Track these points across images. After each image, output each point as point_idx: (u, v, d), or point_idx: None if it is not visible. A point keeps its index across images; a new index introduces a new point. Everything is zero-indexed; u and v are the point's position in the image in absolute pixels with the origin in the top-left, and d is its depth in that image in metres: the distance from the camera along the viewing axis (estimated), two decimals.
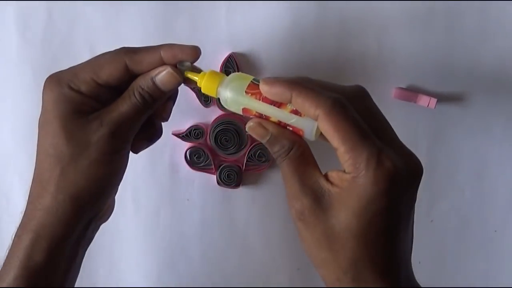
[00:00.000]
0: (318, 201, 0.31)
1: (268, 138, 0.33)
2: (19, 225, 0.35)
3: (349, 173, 0.30)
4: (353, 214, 0.30)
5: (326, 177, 0.32)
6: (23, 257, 0.34)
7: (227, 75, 0.45)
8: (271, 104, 0.32)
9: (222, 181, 0.48)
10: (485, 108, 0.47)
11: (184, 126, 0.47)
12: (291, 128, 0.32)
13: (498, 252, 0.50)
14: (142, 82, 0.35)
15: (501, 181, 0.49)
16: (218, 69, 0.46)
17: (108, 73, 0.35)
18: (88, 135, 0.34)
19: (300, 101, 0.31)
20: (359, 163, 0.29)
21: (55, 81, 0.35)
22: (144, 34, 0.46)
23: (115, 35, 0.46)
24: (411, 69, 0.47)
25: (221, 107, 0.46)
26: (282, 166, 0.33)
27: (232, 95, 0.33)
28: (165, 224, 0.49)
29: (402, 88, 0.46)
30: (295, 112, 0.32)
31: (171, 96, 0.38)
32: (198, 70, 0.36)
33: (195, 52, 0.35)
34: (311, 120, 0.31)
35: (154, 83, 0.35)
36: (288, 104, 0.32)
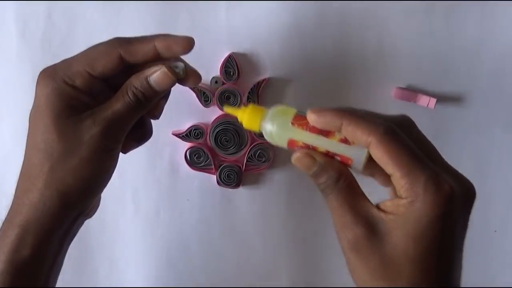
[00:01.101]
0: (372, 229, 0.30)
1: (315, 169, 0.32)
2: (5, 220, 0.35)
3: (406, 197, 0.29)
4: (411, 238, 0.29)
5: (377, 207, 0.31)
6: (9, 251, 0.34)
7: (227, 74, 0.46)
8: (319, 133, 0.31)
9: (222, 181, 0.48)
10: (485, 108, 0.47)
11: (184, 126, 0.47)
12: (339, 158, 0.31)
13: (498, 252, 0.50)
14: (136, 82, 0.35)
15: (501, 181, 0.49)
16: (218, 69, 0.46)
17: (103, 65, 0.35)
18: (80, 133, 0.34)
19: (351, 129, 0.30)
20: (417, 187, 0.29)
21: (49, 75, 0.35)
22: (144, 34, 0.46)
23: (115, 35, 0.46)
24: (411, 69, 0.47)
25: (221, 107, 0.46)
26: (330, 198, 0.32)
27: (278, 128, 0.32)
28: (165, 224, 0.49)
29: (402, 88, 0.46)
30: (344, 141, 0.31)
31: (164, 96, 0.37)
32: (195, 74, 0.36)
33: (189, 43, 0.35)
34: (360, 148, 0.31)
35: (148, 83, 0.35)
36: (336, 133, 0.31)
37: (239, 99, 0.46)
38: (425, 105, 0.45)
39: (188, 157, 0.48)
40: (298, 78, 0.47)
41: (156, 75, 0.35)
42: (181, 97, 0.47)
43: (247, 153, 0.47)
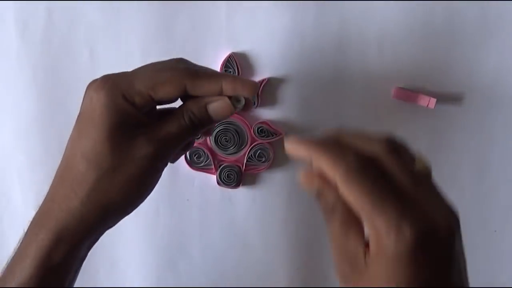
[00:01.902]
0: (358, 270, 0.30)
1: (314, 192, 0.31)
2: (35, 222, 0.35)
3: (371, 236, 0.29)
4: (382, 283, 0.28)
5: (367, 244, 0.30)
6: (41, 257, 0.34)
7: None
8: None
9: (222, 181, 0.48)
10: (485, 108, 0.47)
11: None
12: None
13: (498, 252, 0.50)
14: (194, 108, 0.35)
15: (501, 181, 0.49)
16: (218, 69, 0.46)
17: (167, 92, 0.34)
18: (133, 150, 0.34)
19: (317, 164, 0.30)
20: (378, 234, 0.28)
21: (111, 86, 0.34)
22: (144, 34, 0.46)
23: (115, 35, 0.46)
24: (411, 69, 0.47)
25: None
26: (327, 224, 0.31)
27: None
28: (165, 224, 0.49)
29: (401, 88, 0.46)
30: None
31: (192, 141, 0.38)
32: (249, 102, 0.36)
33: (255, 89, 0.35)
34: None
35: (207, 110, 0.35)
36: None
37: None
38: (425, 105, 0.45)
39: (188, 157, 0.48)
40: (298, 78, 0.47)
41: (217, 105, 0.35)
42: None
43: (247, 153, 0.47)
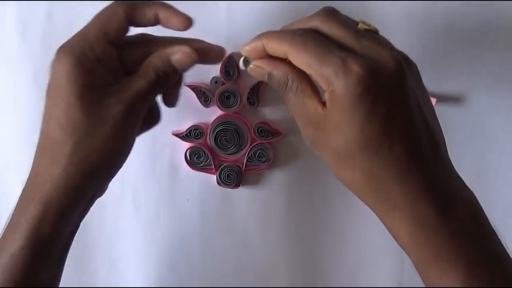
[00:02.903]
0: (319, 127, 0.32)
1: (266, 77, 0.34)
2: (22, 195, 0.35)
3: (326, 90, 0.31)
4: (343, 129, 0.31)
5: (324, 103, 0.32)
6: (30, 227, 0.34)
7: (227, 74, 0.46)
8: None
9: (222, 181, 0.48)
10: (485, 108, 0.47)
11: (184, 126, 0.47)
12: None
13: None
14: (158, 61, 0.36)
15: (501, 181, 0.49)
16: (218, 69, 0.46)
17: (116, 27, 0.35)
18: (105, 110, 0.34)
19: (270, 46, 0.33)
20: (328, 81, 0.30)
21: (69, 50, 0.34)
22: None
23: None
24: None
25: (221, 107, 0.46)
26: (286, 99, 0.34)
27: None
28: (165, 224, 0.49)
29: None
30: None
31: (178, 81, 0.39)
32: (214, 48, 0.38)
33: (188, 22, 0.37)
34: None
35: (170, 61, 0.35)
36: None
37: (239, 99, 0.46)
38: None
39: (188, 157, 0.48)
40: None
41: (180, 55, 0.36)
42: (181, 97, 0.47)
43: (247, 153, 0.47)
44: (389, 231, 0.33)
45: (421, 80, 0.35)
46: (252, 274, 0.50)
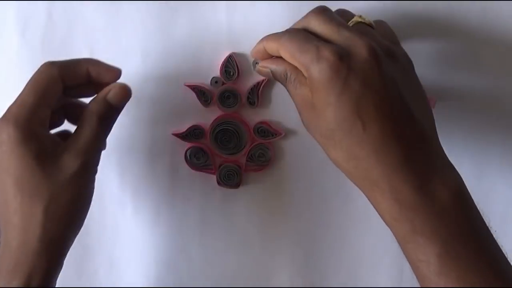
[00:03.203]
0: (310, 112, 0.35)
1: (270, 75, 0.38)
2: (4, 271, 0.35)
3: (307, 77, 0.35)
4: (323, 110, 0.34)
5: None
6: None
7: (227, 74, 0.46)
8: None
9: (222, 181, 0.48)
10: (485, 108, 0.47)
11: (184, 126, 0.47)
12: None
13: None
14: (96, 105, 0.37)
15: (501, 181, 0.49)
16: (218, 69, 0.46)
17: (54, 92, 0.37)
18: (64, 169, 0.35)
19: (269, 47, 0.37)
20: (307, 69, 0.34)
21: (13, 123, 0.35)
22: (144, 34, 0.46)
23: (115, 35, 0.46)
24: None
25: (221, 107, 0.46)
26: (288, 90, 0.38)
27: None
28: (165, 224, 0.49)
29: None
30: None
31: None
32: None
33: (118, 74, 0.39)
34: None
35: (108, 102, 0.37)
36: None
37: (239, 99, 0.46)
38: None
39: (188, 157, 0.48)
40: None
41: (113, 93, 0.38)
42: (181, 97, 0.47)
43: (247, 153, 0.47)
44: (374, 207, 0.35)
45: (410, 72, 0.38)
46: (252, 274, 0.50)
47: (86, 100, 0.40)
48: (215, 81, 0.46)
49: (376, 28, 0.39)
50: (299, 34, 0.36)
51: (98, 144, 0.37)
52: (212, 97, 0.46)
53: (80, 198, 0.36)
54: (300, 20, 0.38)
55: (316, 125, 0.35)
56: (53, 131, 0.40)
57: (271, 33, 0.39)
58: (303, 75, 0.36)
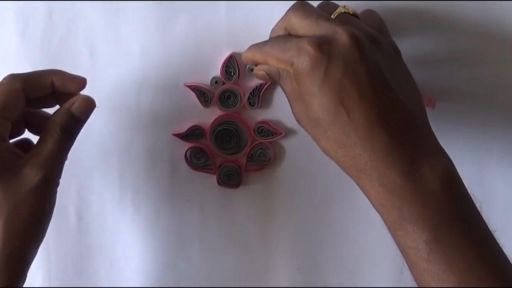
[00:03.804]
0: (300, 104, 0.36)
1: (267, 77, 0.39)
2: None
3: (292, 74, 0.35)
4: (308, 101, 0.34)
5: None
6: None
7: (227, 74, 0.46)
8: None
9: (222, 181, 0.48)
10: (485, 108, 0.47)
11: (184, 126, 0.47)
12: None
13: None
14: (60, 117, 0.37)
15: (501, 181, 0.49)
16: (218, 69, 0.46)
17: (15, 105, 0.36)
18: (24, 184, 0.35)
19: (254, 59, 0.39)
20: (289, 62, 0.35)
21: None
22: (144, 34, 0.46)
23: (115, 35, 0.46)
24: (411, 69, 0.47)
25: (221, 107, 0.46)
26: (281, 87, 0.38)
27: None
28: (165, 224, 0.49)
29: None
30: None
31: None
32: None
33: (83, 83, 0.39)
34: None
35: (72, 113, 0.37)
36: None
37: (239, 99, 0.46)
38: (425, 105, 0.45)
39: (188, 157, 0.48)
40: None
41: (77, 105, 0.37)
42: (181, 97, 0.47)
43: (247, 153, 0.47)
44: (365, 195, 0.35)
45: (397, 59, 0.38)
46: (252, 274, 0.50)
47: (49, 109, 0.40)
48: (215, 81, 0.46)
49: (362, 17, 0.39)
50: (279, 38, 0.37)
51: (61, 156, 0.37)
52: (212, 97, 0.46)
53: (41, 211, 0.36)
54: (280, 19, 0.38)
55: (305, 116, 0.36)
56: (13, 140, 0.40)
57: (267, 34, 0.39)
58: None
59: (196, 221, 0.49)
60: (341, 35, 0.34)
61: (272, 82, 0.40)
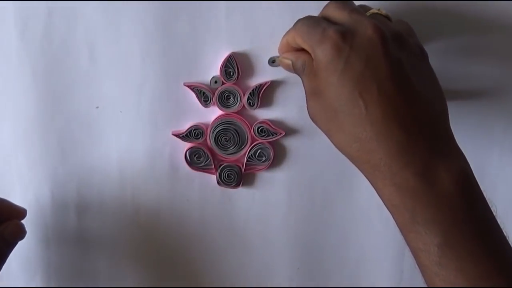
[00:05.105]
0: (316, 98, 0.36)
1: (291, 66, 0.39)
2: None
3: (314, 60, 0.35)
4: (327, 91, 0.34)
5: None
6: None
7: (227, 74, 0.46)
8: None
9: (222, 181, 0.48)
10: (485, 108, 0.47)
11: (184, 126, 0.47)
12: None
13: None
14: None
15: (501, 181, 0.49)
16: (218, 69, 0.46)
17: None
18: None
19: (289, 38, 0.39)
20: (312, 47, 0.35)
21: None
22: (144, 34, 0.46)
23: (115, 35, 0.46)
24: None
25: (221, 107, 0.46)
26: (303, 80, 0.38)
27: None
28: (165, 224, 0.49)
29: None
30: None
31: None
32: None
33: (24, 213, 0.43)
34: None
35: (4, 237, 0.39)
36: None
37: (239, 99, 0.46)
38: None
39: (188, 157, 0.48)
40: (298, 78, 0.47)
41: (8, 230, 0.39)
42: (181, 97, 0.47)
43: (247, 153, 0.47)
44: (377, 193, 0.34)
45: (421, 59, 0.37)
46: (252, 274, 0.50)
47: None
48: (215, 81, 0.46)
49: (394, 22, 0.39)
50: (311, 19, 0.37)
51: None
52: (212, 97, 0.46)
53: None
54: (322, 10, 0.38)
55: (321, 111, 0.35)
56: None
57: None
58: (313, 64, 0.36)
59: (196, 221, 0.49)
60: (367, 28, 0.33)
61: (294, 73, 0.40)
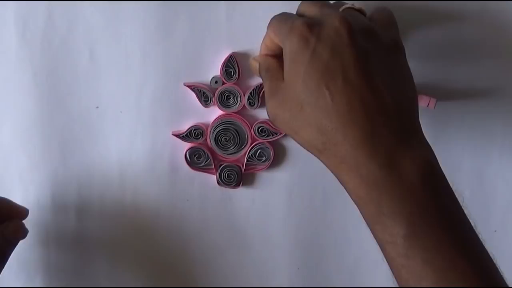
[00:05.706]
0: (279, 98, 0.36)
1: (258, 69, 0.40)
2: None
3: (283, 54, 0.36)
4: (293, 82, 0.34)
5: None
6: None
7: (227, 74, 0.46)
8: None
9: (222, 181, 0.48)
10: (485, 108, 0.47)
11: (184, 126, 0.47)
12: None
13: (498, 252, 0.50)
14: None
15: (501, 181, 0.49)
16: (218, 69, 0.46)
17: None
18: None
19: (267, 35, 0.39)
20: (282, 39, 0.36)
21: None
22: (144, 34, 0.46)
23: (115, 35, 0.46)
24: (411, 68, 0.47)
25: (221, 107, 0.46)
26: (264, 84, 0.39)
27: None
28: (165, 224, 0.49)
29: None
30: None
31: None
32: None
33: (26, 213, 0.43)
34: None
35: (4, 237, 0.39)
36: None
37: (239, 99, 0.46)
38: (425, 105, 0.45)
39: (188, 157, 0.47)
40: None
41: (11, 229, 0.39)
42: (181, 97, 0.47)
43: (247, 153, 0.47)
44: (343, 187, 0.35)
45: (394, 54, 0.37)
46: (252, 274, 0.50)
47: None
48: (215, 81, 0.46)
49: (372, 12, 0.39)
50: (283, 14, 0.38)
51: None
52: (212, 97, 0.46)
53: None
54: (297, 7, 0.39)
55: (284, 109, 0.35)
56: None
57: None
58: (278, 67, 0.37)
59: (196, 221, 0.49)
60: (334, 20, 0.34)
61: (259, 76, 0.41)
